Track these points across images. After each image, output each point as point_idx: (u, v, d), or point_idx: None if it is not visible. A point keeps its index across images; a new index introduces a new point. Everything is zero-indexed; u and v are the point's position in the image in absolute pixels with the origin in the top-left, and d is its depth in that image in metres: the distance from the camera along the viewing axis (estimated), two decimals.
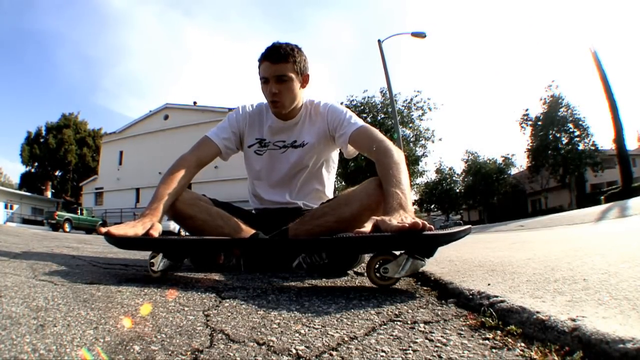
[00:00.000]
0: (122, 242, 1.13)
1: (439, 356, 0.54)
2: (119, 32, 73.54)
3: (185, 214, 1.36)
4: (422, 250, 0.96)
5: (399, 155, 1.28)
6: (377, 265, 0.99)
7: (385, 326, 0.68)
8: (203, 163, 1.49)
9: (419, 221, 0.91)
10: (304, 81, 1.52)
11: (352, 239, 1.04)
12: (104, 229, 1.11)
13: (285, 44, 1.44)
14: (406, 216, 1.01)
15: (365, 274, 1.34)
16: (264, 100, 1.64)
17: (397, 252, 0.98)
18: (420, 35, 10.91)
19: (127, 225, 1.14)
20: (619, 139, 12.86)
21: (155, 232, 1.14)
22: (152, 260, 1.13)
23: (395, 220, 0.97)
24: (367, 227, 1.01)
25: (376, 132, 1.44)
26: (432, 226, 0.93)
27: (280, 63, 1.42)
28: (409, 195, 1.13)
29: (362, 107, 16.97)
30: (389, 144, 1.35)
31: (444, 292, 0.93)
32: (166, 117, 27.00)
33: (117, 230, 1.11)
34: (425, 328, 0.67)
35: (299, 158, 1.57)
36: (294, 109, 1.54)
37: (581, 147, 22.85)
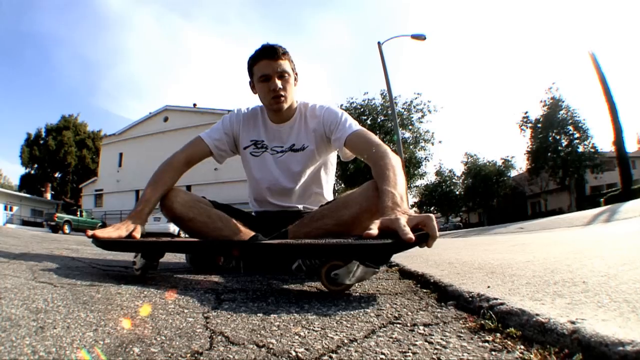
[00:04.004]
0: (106, 244, 1.20)
1: (439, 358, 0.54)
2: (117, 34, 73.75)
3: (185, 217, 1.36)
4: (375, 258, 0.95)
5: (396, 159, 1.27)
6: (327, 271, 0.97)
7: (384, 328, 0.68)
8: (192, 162, 1.53)
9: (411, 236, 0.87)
10: (296, 79, 1.55)
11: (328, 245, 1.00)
12: (90, 232, 1.19)
13: (276, 45, 1.47)
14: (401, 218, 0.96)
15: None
16: (258, 104, 1.64)
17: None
18: (420, 37, 10.93)
19: (113, 228, 1.21)
20: (619, 141, 12.91)
21: (138, 235, 1.20)
22: (134, 260, 1.21)
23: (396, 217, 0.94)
24: (373, 228, 0.95)
25: (373, 135, 1.43)
26: (412, 237, 0.87)
27: (281, 60, 1.44)
28: (404, 195, 1.11)
29: (362, 109, 17.00)
30: (387, 147, 1.34)
31: (444, 294, 0.93)
32: (166, 119, 27.00)
33: (102, 233, 1.18)
34: (424, 330, 0.67)
35: (298, 162, 1.56)
36: (290, 107, 1.55)
37: (581, 149, 22.87)
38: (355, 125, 1.48)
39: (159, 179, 1.40)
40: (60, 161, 34.86)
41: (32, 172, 35.54)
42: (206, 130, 1.61)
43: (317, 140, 1.55)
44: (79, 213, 18.39)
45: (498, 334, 0.62)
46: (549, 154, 23.28)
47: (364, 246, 0.90)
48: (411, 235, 0.86)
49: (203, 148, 1.55)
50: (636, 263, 1.05)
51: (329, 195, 1.70)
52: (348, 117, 1.53)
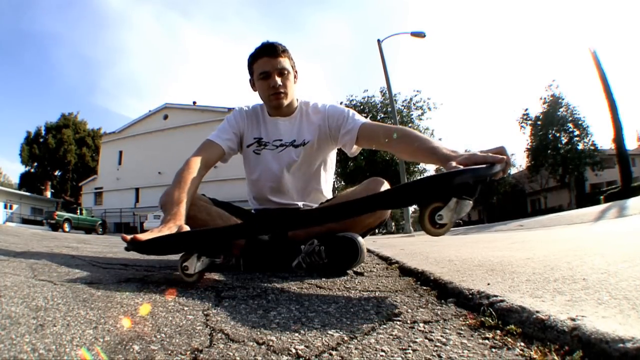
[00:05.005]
0: (151, 246, 1.02)
1: (439, 356, 0.54)
2: (117, 33, 73.47)
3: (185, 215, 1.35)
4: (469, 189, 0.92)
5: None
6: (430, 214, 0.94)
7: (384, 326, 0.68)
8: (210, 165, 1.46)
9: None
10: (295, 77, 1.56)
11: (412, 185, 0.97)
12: (128, 236, 1.01)
13: (276, 42, 1.48)
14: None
15: (368, 272, 1.34)
16: (258, 103, 1.65)
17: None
18: (419, 35, 10.91)
19: (152, 232, 1.05)
20: (619, 138, 12.89)
21: None
22: (185, 264, 1.04)
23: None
24: (455, 167, 0.96)
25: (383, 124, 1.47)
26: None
27: (280, 57, 1.46)
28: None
29: (362, 107, 17.00)
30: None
31: (444, 291, 0.93)
32: (166, 117, 26.98)
33: (143, 236, 1.02)
34: (424, 328, 0.67)
35: (298, 157, 1.57)
36: (291, 104, 1.56)
37: (581, 146, 22.86)
38: (362, 118, 1.52)
39: (183, 182, 1.27)
40: (60, 159, 34.83)
41: (32, 170, 35.52)
42: (208, 131, 1.61)
43: (320, 135, 1.56)
44: (78, 211, 18.40)
45: (498, 331, 0.62)
46: (549, 151, 23.27)
47: (468, 171, 0.91)
48: (501, 156, 0.93)
49: (217, 150, 1.52)
50: (636, 260, 1.05)
51: (328, 193, 1.71)
52: (355, 112, 1.56)
